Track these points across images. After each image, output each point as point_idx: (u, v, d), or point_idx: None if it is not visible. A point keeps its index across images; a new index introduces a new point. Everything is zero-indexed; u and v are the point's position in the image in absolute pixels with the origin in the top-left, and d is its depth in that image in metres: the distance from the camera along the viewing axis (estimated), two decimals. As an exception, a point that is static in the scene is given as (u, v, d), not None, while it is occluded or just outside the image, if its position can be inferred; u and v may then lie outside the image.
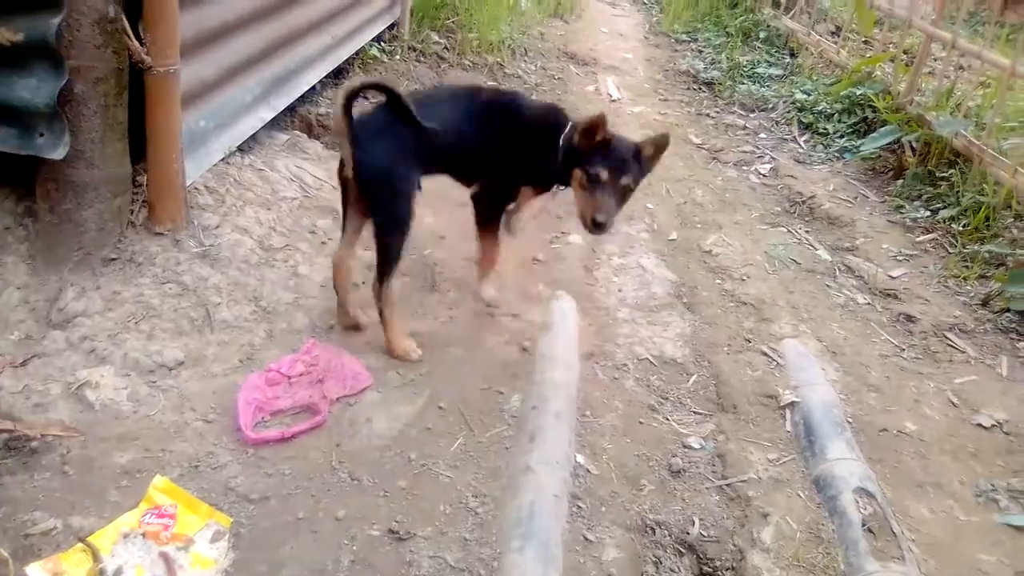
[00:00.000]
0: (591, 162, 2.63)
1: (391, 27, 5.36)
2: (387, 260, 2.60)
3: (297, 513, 2.04)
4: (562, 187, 2.85)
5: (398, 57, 5.21)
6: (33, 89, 2.40)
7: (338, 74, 4.57)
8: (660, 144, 2.70)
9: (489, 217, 2.91)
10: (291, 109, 3.95)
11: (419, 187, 2.67)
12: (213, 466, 2.15)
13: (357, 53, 4.76)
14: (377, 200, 2.59)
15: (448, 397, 2.52)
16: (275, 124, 3.72)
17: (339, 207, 3.34)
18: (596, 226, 2.64)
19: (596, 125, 2.60)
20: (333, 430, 2.33)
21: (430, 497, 2.15)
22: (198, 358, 2.51)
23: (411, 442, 2.33)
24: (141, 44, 2.55)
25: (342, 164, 2.58)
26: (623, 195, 2.69)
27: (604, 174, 2.61)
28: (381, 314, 2.66)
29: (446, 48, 5.58)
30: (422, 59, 5.34)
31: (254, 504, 2.05)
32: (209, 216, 2.95)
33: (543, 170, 2.82)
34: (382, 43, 5.20)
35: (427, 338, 2.78)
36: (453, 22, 5.86)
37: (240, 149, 3.35)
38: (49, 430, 2.15)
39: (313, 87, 4.13)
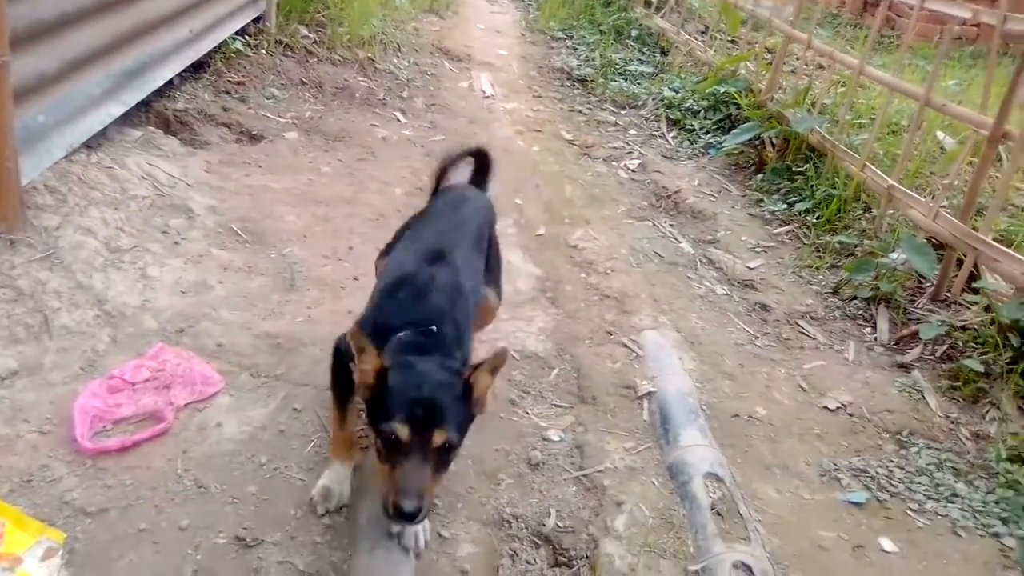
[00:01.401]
0: (382, 412, 1.75)
1: (256, 20, 5.21)
2: None
3: (138, 524, 1.96)
4: None
5: (264, 51, 5.07)
6: None
7: (199, 68, 4.43)
8: (496, 366, 1.84)
9: None
10: (146, 104, 3.80)
11: None
12: (47, 480, 2.04)
13: (219, 47, 4.61)
14: None
15: (304, 398, 2.47)
16: (127, 120, 3.57)
17: (193, 205, 3.26)
18: (402, 516, 1.70)
19: (362, 352, 1.77)
20: (180, 437, 2.25)
21: (281, 502, 2.09)
22: (34, 367, 2.37)
23: (262, 446, 2.26)
24: (-36, 35, 2.40)
25: None
26: (442, 459, 1.77)
27: (404, 431, 1.71)
28: None
29: (315, 42, 5.47)
30: (289, 53, 5.22)
31: (91, 517, 1.96)
32: (49, 217, 2.80)
33: None
34: (246, 36, 5.06)
35: (284, 338, 2.72)
36: (323, 16, 5.75)
37: (87, 146, 3.20)
38: None
39: (171, 81, 3.99)
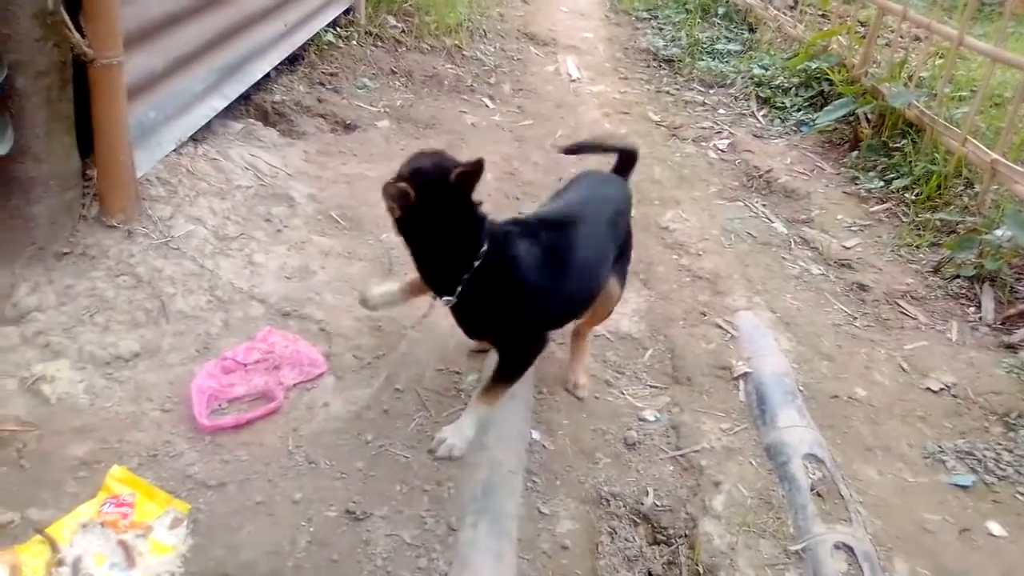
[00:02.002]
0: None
1: (347, 12, 5.33)
2: None
3: (255, 497, 2.06)
4: None
5: (354, 42, 5.19)
6: (-28, 86, 2.38)
7: (293, 60, 4.56)
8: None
9: None
10: (245, 97, 3.93)
11: None
12: (171, 454, 2.16)
13: (312, 39, 4.74)
14: None
15: (405, 379, 2.55)
16: (229, 113, 3.71)
17: (294, 194, 3.38)
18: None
19: None
20: (290, 415, 2.35)
21: (387, 477, 2.18)
22: (154, 349, 2.51)
23: (368, 424, 2.35)
24: (82, 36, 2.54)
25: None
26: None
27: None
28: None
29: (403, 32, 5.57)
30: (379, 43, 5.33)
31: (212, 490, 2.07)
32: (162, 207, 2.94)
33: None
34: (338, 28, 5.18)
35: (384, 321, 2.80)
36: (410, 5, 5.84)
37: (193, 139, 3.34)
38: (5, 425, 2.16)
39: (268, 74, 4.12)
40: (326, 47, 4.93)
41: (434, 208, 2.09)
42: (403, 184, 2.05)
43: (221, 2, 3.47)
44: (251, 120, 3.93)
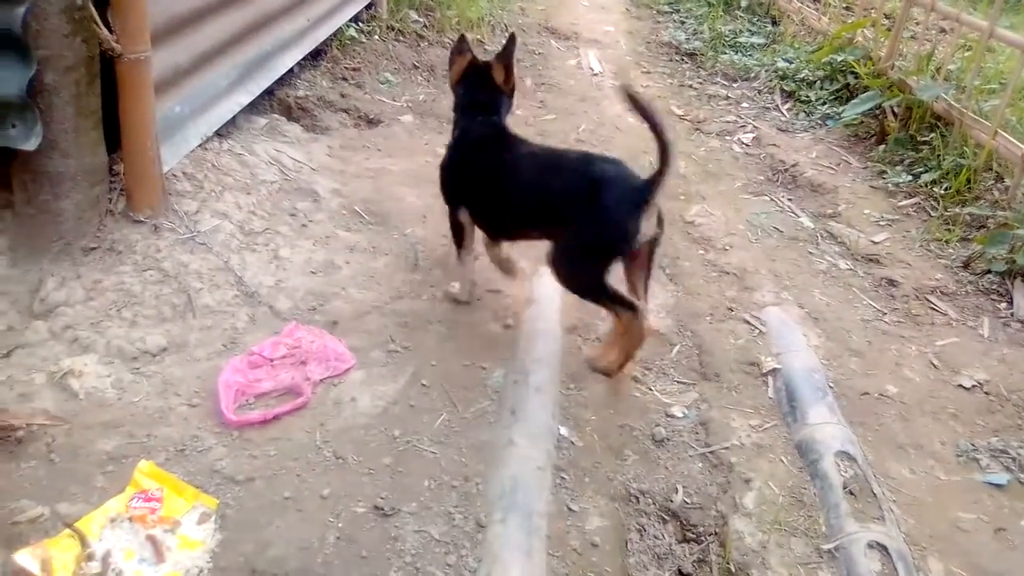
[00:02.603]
0: None
1: (368, 7, 5.32)
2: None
3: (283, 493, 2.06)
4: None
5: (376, 37, 5.18)
6: (2, 80, 2.38)
7: (316, 55, 4.56)
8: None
9: None
10: (269, 92, 3.93)
11: None
12: (198, 449, 2.16)
13: (335, 34, 4.73)
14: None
15: (431, 374, 2.54)
16: (253, 108, 3.71)
17: (318, 189, 3.38)
18: None
19: None
20: (317, 410, 2.35)
21: (414, 473, 2.17)
22: (181, 344, 2.52)
23: (395, 420, 2.34)
24: (110, 32, 2.54)
25: (634, 234, 2.44)
26: None
27: None
28: (643, 336, 2.58)
29: (425, 26, 5.55)
30: (401, 38, 5.31)
31: (240, 485, 2.07)
32: (188, 202, 2.95)
33: None
34: (360, 23, 5.17)
35: (410, 317, 2.79)
36: (432, 0, 5.83)
37: (218, 134, 3.34)
38: (34, 419, 2.16)
39: (291, 69, 4.11)
40: (348, 42, 4.92)
41: (471, 80, 2.87)
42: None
43: (246, -3, 3.47)
44: (275, 115, 3.93)
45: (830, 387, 2.71)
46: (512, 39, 2.81)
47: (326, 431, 2.27)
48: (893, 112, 4.84)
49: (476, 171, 2.78)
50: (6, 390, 2.25)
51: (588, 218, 2.46)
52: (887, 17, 6.07)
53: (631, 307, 2.48)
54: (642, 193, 2.43)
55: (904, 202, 4.15)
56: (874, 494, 2.25)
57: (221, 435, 2.21)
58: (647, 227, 2.44)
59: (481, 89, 2.83)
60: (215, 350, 2.52)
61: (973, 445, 2.54)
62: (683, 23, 7.36)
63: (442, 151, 2.99)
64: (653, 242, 2.54)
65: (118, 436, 2.17)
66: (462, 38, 2.91)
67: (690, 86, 5.86)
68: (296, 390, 2.38)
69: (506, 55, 2.80)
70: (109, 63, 2.61)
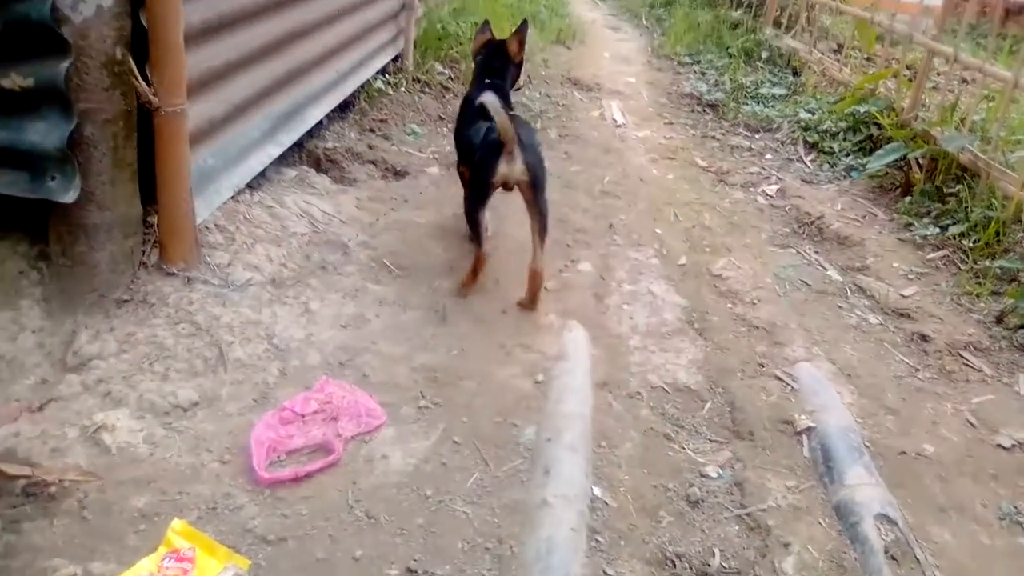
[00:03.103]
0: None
1: (395, 59, 5.39)
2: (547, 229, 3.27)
3: (315, 554, 2.03)
4: None
5: (403, 89, 5.25)
6: (44, 133, 2.42)
7: (344, 107, 4.61)
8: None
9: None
10: (298, 144, 3.97)
11: None
12: (230, 508, 2.14)
13: (362, 86, 4.79)
14: (542, 187, 3.22)
15: (462, 431, 2.52)
16: (283, 160, 3.75)
17: (347, 241, 3.39)
18: None
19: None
20: (349, 468, 2.33)
21: (447, 534, 2.14)
22: (213, 398, 2.51)
23: (427, 478, 2.32)
24: (148, 85, 2.58)
25: (491, 170, 3.12)
26: None
27: None
28: (540, 277, 3.22)
29: (450, 78, 5.62)
30: (427, 90, 5.38)
31: (272, 545, 2.05)
32: (220, 254, 2.96)
33: None
34: (387, 75, 5.24)
35: (440, 372, 2.78)
36: (457, 52, 5.90)
37: (249, 186, 3.37)
38: (67, 475, 2.15)
39: (320, 122, 4.16)
40: (376, 94, 4.98)
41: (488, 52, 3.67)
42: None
43: (277, 51, 3.52)
44: (304, 167, 3.97)
45: (866, 446, 2.66)
46: (525, 23, 3.64)
47: (358, 489, 2.24)
48: (918, 163, 4.84)
49: (466, 124, 3.48)
50: (40, 444, 2.24)
51: (474, 162, 3.29)
52: (908, 68, 6.10)
53: (479, 245, 3.23)
54: (500, 144, 3.07)
55: (932, 255, 4.12)
56: (917, 559, 2.20)
57: (253, 493, 2.20)
58: (505, 168, 3.10)
59: (496, 58, 3.59)
60: (246, 405, 2.51)
61: (1016, 508, 2.49)
62: (704, 74, 7.42)
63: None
64: (528, 190, 3.17)
65: (150, 493, 2.15)
66: (486, 22, 3.78)
67: (713, 137, 5.89)
68: (328, 447, 2.36)
69: (519, 33, 3.57)
70: (146, 116, 2.64)
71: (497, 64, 3.59)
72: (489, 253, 3.30)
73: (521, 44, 3.59)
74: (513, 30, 3.63)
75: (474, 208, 3.25)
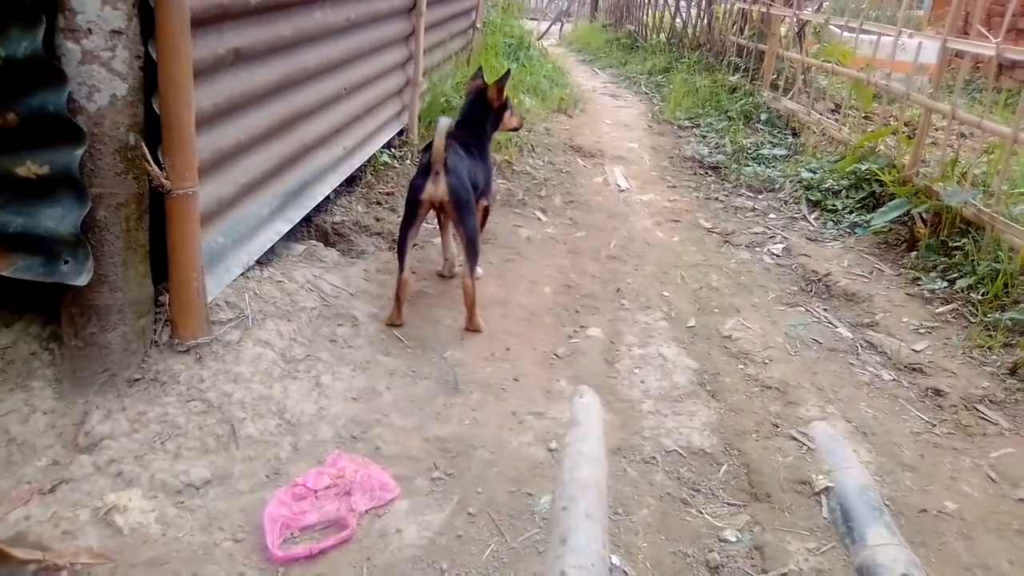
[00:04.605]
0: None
1: (400, 133, 5.50)
2: (477, 252, 3.52)
3: (330, 633, 2.00)
4: None
5: (408, 162, 5.34)
6: (58, 218, 2.46)
7: (351, 181, 4.68)
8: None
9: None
10: (307, 219, 4.03)
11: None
12: (243, 587, 2.12)
13: (369, 160, 4.87)
14: (466, 211, 3.45)
15: (477, 502, 2.49)
16: (292, 235, 3.79)
17: (357, 314, 3.40)
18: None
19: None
20: (363, 543, 2.30)
21: (465, 609, 2.10)
22: (225, 476, 2.50)
23: (442, 551, 2.29)
24: (161, 169, 2.63)
25: (418, 189, 3.39)
26: None
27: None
28: (468, 291, 3.48)
29: (455, 150, 5.70)
30: (432, 162, 5.46)
31: (286, 626, 2.02)
32: (231, 331, 2.98)
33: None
34: (392, 149, 5.34)
35: (452, 442, 2.77)
36: (460, 124, 6.00)
37: (258, 262, 3.41)
38: (79, 558, 2.14)
39: (327, 196, 4.22)
40: (382, 167, 5.07)
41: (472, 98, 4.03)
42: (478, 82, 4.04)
43: (285, 131, 3.60)
44: (312, 241, 4.01)
45: (886, 505, 2.62)
46: (507, 72, 4.07)
47: (372, 566, 2.22)
48: (922, 219, 4.87)
49: None
50: (51, 527, 2.23)
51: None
52: (907, 125, 6.18)
53: (400, 268, 3.43)
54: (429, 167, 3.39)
55: (942, 308, 4.12)
56: (945, 621, 2.15)
57: (266, 572, 2.17)
58: (431, 188, 3.38)
59: (476, 103, 3.97)
60: (259, 481, 2.50)
61: (1043, 565, 2.44)
62: (704, 137, 7.53)
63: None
64: (450, 210, 3.44)
65: (163, 574, 2.13)
66: (480, 68, 4.25)
67: (716, 199, 5.95)
68: (341, 522, 2.34)
69: (499, 81, 3.92)
70: (158, 198, 2.69)
71: (477, 107, 3.95)
72: (408, 279, 3.48)
73: (500, 91, 3.92)
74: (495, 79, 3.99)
75: (402, 227, 3.47)
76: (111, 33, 2.40)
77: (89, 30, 2.36)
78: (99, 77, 2.41)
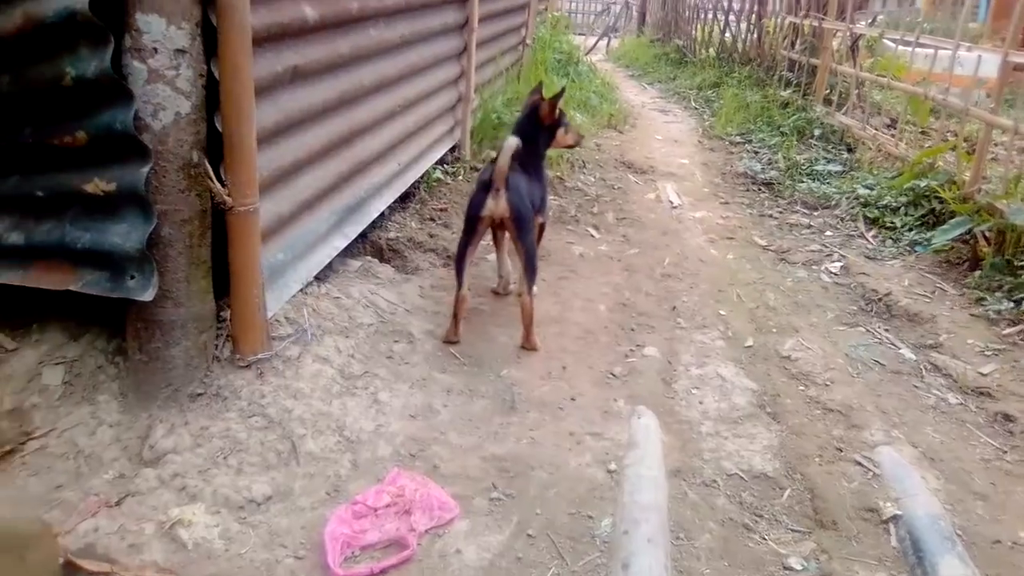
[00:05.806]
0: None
1: (452, 149, 5.52)
2: (535, 269, 3.50)
3: (392, 654, 1.99)
4: None
5: (461, 177, 5.35)
6: (124, 234, 2.50)
7: (405, 198, 4.70)
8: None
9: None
10: (362, 235, 4.05)
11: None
12: (306, 606, 2.12)
13: (422, 177, 4.90)
14: (526, 228, 3.46)
15: (536, 524, 2.47)
16: (347, 251, 3.81)
17: (413, 330, 3.41)
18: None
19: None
20: (423, 563, 2.29)
21: (526, 633, 2.08)
22: (286, 492, 2.51)
23: (502, 574, 2.27)
24: (223, 186, 2.66)
25: (479, 206, 3.41)
26: None
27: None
28: (526, 309, 3.48)
29: (507, 165, 5.71)
30: (484, 178, 5.48)
31: (348, 646, 2.01)
32: (290, 347, 3.00)
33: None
34: (445, 165, 5.36)
35: (510, 462, 2.75)
36: (511, 140, 6.01)
37: (316, 278, 3.43)
38: (144, 572, 2.16)
39: (382, 213, 4.24)
40: (435, 183, 5.09)
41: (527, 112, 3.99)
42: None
43: (342, 148, 3.63)
44: (368, 257, 4.04)
45: (958, 534, 2.53)
46: (562, 89, 4.07)
47: (433, 586, 2.20)
48: (985, 237, 4.74)
49: None
50: (118, 540, 2.25)
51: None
52: (966, 140, 6.05)
53: (459, 284, 3.45)
54: (491, 183, 3.39)
55: (1008, 330, 4.00)
56: (1024, 659, 2.07)
57: (328, 590, 2.17)
58: (492, 205, 3.38)
59: (529, 118, 3.92)
60: (319, 499, 2.50)
61: (1125, 600, 2.34)
62: (756, 153, 7.44)
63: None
64: (510, 226, 3.43)
65: (226, 591, 2.14)
66: (540, 83, 4.18)
67: (770, 216, 5.86)
68: (401, 542, 2.33)
69: (554, 98, 3.88)
70: (219, 214, 2.72)
71: (530, 123, 3.91)
72: (466, 296, 3.48)
73: (553, 107, 3.88)
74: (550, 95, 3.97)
75: (461, 244, 3.49)
76: (176, 52, 2.44)
77: (155, 49, 2.40)
78: (164, 95, 2.45)
